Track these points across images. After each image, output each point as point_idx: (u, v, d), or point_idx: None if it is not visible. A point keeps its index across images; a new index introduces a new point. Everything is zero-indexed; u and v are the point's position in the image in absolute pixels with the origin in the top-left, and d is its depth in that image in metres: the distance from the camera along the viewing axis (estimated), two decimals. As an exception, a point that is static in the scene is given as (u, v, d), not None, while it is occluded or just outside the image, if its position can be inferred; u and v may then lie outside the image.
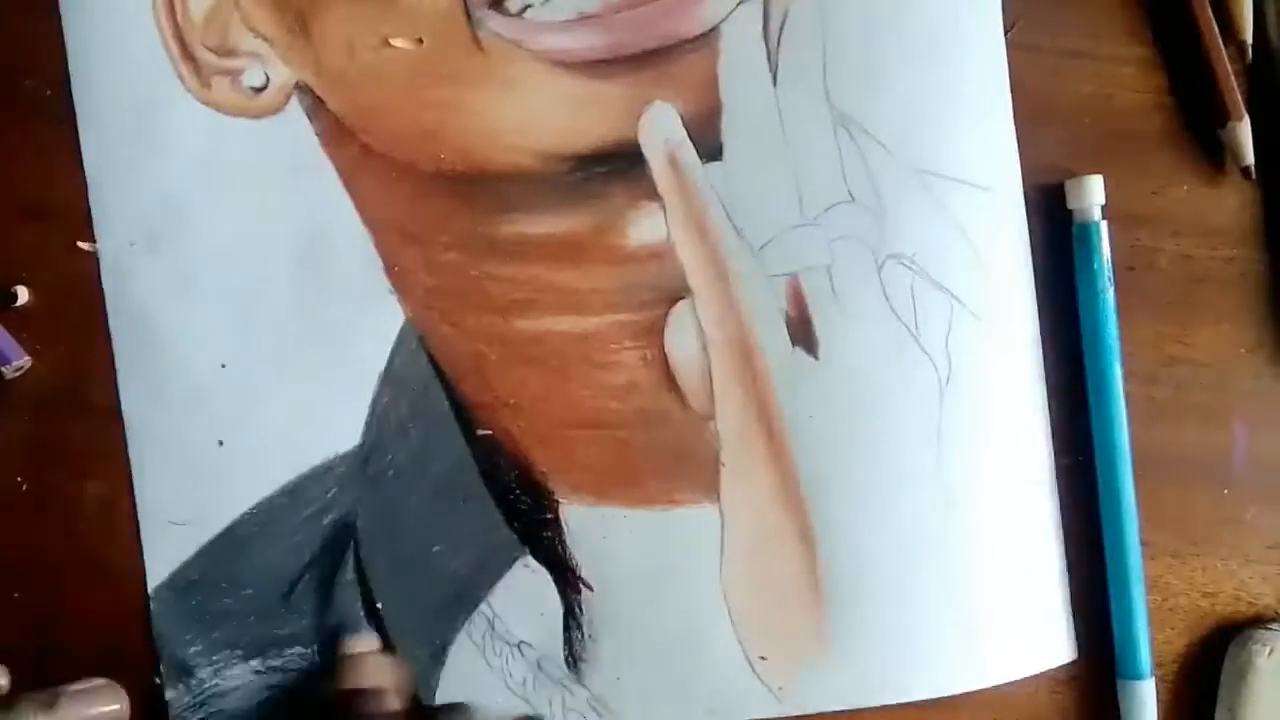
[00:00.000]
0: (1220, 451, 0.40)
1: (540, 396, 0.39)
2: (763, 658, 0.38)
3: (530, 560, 0.39)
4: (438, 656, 0.39)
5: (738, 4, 0.39)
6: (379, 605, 0.39)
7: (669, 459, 0.39)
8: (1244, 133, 0.39)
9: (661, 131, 0.39)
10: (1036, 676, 0.39)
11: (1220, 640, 0.40)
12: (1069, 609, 0.39)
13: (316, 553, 0.39)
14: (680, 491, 0.39)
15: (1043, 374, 0.40)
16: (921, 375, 0.38)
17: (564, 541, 0.39)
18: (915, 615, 0.38)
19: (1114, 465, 0.39)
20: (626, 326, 0.39)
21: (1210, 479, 0.40)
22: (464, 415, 0.39)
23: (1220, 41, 0.39)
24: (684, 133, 0.39)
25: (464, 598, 0.39)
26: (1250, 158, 0.39)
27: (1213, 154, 0.40)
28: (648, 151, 0.39)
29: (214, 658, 0.39)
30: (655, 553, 0.39)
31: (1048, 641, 0.39)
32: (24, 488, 0.39)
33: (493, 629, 0.39)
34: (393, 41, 0.38)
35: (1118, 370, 0.39)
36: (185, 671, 0.39)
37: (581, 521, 0.39)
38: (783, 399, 0.39)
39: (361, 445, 0.39)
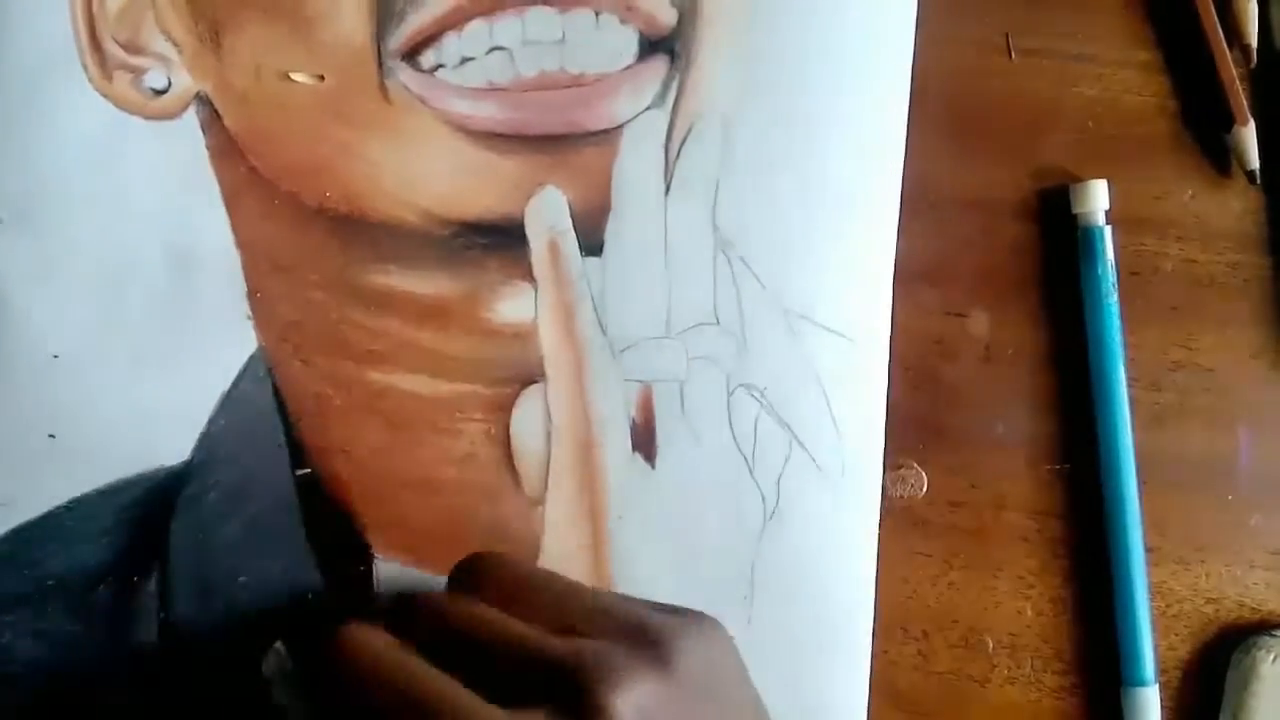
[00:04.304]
0: (1224, 457, 0.40)
1: (377, 450, 0.39)
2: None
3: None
4: (226, 687, 0.39)
5: (646, 108, 0.39)
6: (174, 624, 0.39)
7: (492, 535, 0.39)
8: (1249, 137, 0.39)
9: (548, 217, 0.39)
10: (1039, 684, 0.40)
11: (1224, 647, 0.40)
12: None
13: (123, 559, 0.39)
14: (497, 568, 0.39)
15: (875, 534, 0.39)
16: (749, 504, 0.39)
17: (370, 595, 0.39)
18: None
19: (1117, 470, 0.39)
20: (477, 398, 0.39)
21: (1214, 485, 0.40)
22: (296, 453, 0.39)
23: (1225, 45, 0.39)
24: (569, 223, 0.39)
25: (261, 633, 0.39)
26: (1256, 162, 0.39)
27: (1218, 158, 0.40)
28: (530, 233, 0.39)
29: (3, 639, 0.39)
30: (459, 623, 0.39)
31: None
32: None
33: (284, 669, 0.39)
34: (293, 76, 0.38)
35: (1122, 375, 0.39)
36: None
37: (392, 578, 0.39)
38: (613, 500, 0.39)
39: (188, 462, 0.39)
